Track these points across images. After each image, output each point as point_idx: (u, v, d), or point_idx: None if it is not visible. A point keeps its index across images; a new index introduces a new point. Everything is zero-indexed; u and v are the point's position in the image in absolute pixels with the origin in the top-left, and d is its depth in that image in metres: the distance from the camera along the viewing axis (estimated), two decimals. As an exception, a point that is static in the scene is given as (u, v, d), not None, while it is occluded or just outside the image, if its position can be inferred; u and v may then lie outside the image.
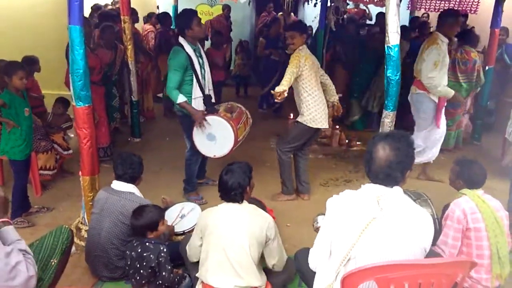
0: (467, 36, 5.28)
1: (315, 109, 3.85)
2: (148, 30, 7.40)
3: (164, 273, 2.59)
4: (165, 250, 2.62)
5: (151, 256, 2.58)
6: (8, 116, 3.48)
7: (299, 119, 3.94)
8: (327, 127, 4.09)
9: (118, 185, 2.93)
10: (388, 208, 1.76)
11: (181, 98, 3.61)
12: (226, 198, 2.51)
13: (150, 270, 2.59)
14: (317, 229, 2.55)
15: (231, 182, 2.46)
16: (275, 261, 2.53)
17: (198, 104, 3.74)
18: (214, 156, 3.80)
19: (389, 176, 1.79)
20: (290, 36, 3.84)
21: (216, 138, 3.69)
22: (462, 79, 5.12)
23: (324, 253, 1.86)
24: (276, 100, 3.58)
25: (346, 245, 1.75)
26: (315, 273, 1.98)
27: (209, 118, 3.68)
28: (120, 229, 2.83)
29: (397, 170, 1.79)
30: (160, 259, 2.59)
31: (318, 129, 3.98)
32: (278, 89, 3.53)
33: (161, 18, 7.14)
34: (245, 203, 2.53)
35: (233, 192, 2.46)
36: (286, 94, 3.52)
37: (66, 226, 2.54)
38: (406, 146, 1.81)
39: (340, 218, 1.81)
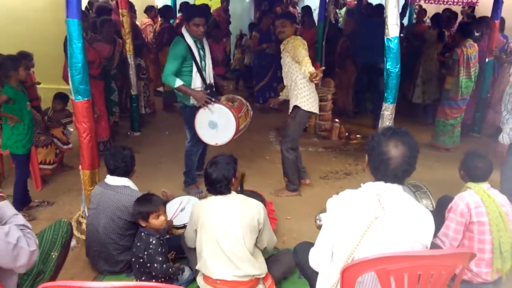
0: (468, 30, 5.22)
1: (310, 93, 3.87)
2: (147, 24, 7.36)
3: (155, 265, 2.59)
4: (154, 242, 2.62)
5: (142, 246, 2.61)
6: (11, 111, 3.46)
7: (297, 104, 3.87)
8: (318, 112, 4.11)
9: (112, 180, 2.92)
10: (389, 207, 1.75)
11: (178, 82, 3.60)
12: (212, 190, 2.53)
13: (141, 260, 2.61)
14: (319, 227, 2.55)
15: (216, 175, 2.48)
16: (265, 244, 2.60)
17: None
18: (216, 144, 3.78)
19: (406, 172, 1.79)
20: (281, 24, 3.85)
21: (218, 125, 3.68)
22: (472, 73, 5.06)
23: (326, 254, 1.85)
24: (314, 82, 3.55)
25: (349, 246, 1.74)
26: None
27: (211, 106, 3.66)
28: (117, 223, 2.83)
29: (413, 164, 1.79)
30: (150, 251, 2.59)
31: (312, 114, 4.02)
32: (310, 70, 3.50)
33: (163, 12, 7.08)
34: (233, 193, 2.55)
35: (218, 184, 2.48)
36: (320, 74, 3.51)
37: (65, 220, 2.55)
38: (411, 139, 1.80)
39: (342, 219, 1.79)
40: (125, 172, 2.94)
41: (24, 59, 4.33)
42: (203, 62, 3.78)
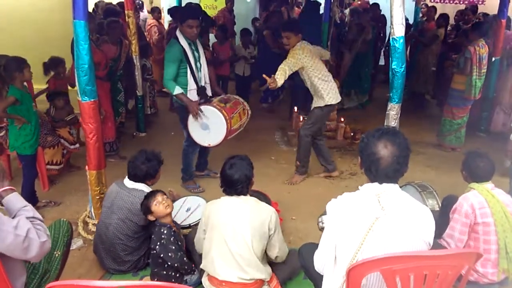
0: (482, 29, 5.14)
1: (330, 88, 4.13)
2: (151, 24, 7.38)
3: (169, 254, 2.60)
4: (165, 232, 2.64)
5: (155, 238, 2.64)
6: (19, 113, 3.48)
7: (319, 104, 4.15)
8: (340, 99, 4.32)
9: (130, 183, 2.95)
10: (389, 206, 1.75)
11: (177, 90, 3.71)
12: (231, 192, 2.50)
13: (154, 252, 2.63)
14: (322, 229, 2.55)
15: (238, 176, 2.45)
16: (277, 253, 2.56)
17: (192, 95, 3.83)
18: (209, 144, 3.88)
19: (398, 171, 1.79)
20: (286, 36, 4.01)
21: (210, 127, 3.77)
22: (482, 74, 5.02)
23: (329, 257, 1.86)
24: (269, 84, 3.70)
25: (352, 248, 1.74)
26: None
27: (203, 107, 3.77)
28: (127, 225, 2.85)
29: (404, 163, 1.79)
30: (162, 241, 2.61)
31: (333, 105, 4.27)
32: (271, 80, 3.67)
33: (172, 13, 7.05)
34: (247, 196, 2.54)
35: (240, 185, 2.46)
36: (275, 85, 3.69)
37: (65, 220, 2.57)
38: (403, 138, 1.81)
39: (343, 222, 1.79)
40: (143, 177, 2.94)
41: (58, 65, 4.43)
42: (198, 63, 3.87)
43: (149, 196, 2.75)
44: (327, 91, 4.10)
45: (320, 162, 4.57)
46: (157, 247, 2.61)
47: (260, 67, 7.01)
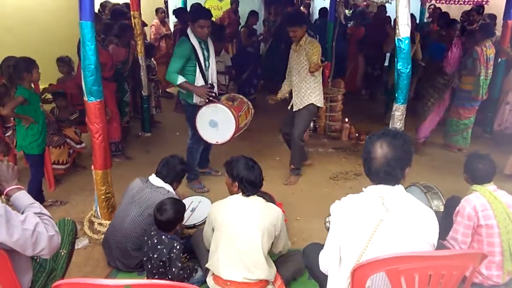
0: (489, 29, 5.12)
1: (319, 90, 4.27)
2: (150, 25, 7.43)
3: (173, 269, 2.61)
4: (178, 247, 2.64)
5: (164, 250, 2.61)
6: (27, 113, 3.51)
7: (312, 102, 4.22)
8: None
9: (156, 180, 2.98)
10: (393, 208, 1.75)
11: (180, 79, 3.73)
12: (253, 192, 2.54)
13: (160, 263, 2.62)
14: (329, 229, 2.56)
15: (260, 176, 2.56)
16: (281, 249, 2.64)
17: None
18: (217, 142, 3.89)
19: (389, 174, 1.77)
20: (293, 31, 4.12)
21: (218, 124, 3.79)
22: (489, 74, 4.98)
23: (334, 259, 1.86)
24: (312, 69, 3.94)
25: (357, 250, 1.74)
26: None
27: (212, 105, 3.78)
28: (145, 220, 2.85)
29: (396, 167, 1.76)
30: (172, 255, 2.61)
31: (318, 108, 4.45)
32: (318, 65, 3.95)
33: (178, 13, 7.05)
34: (255, 196, 2.56)
35: (261, 185, 2.57)
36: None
37: (69, 218, 2.59)
38: (402, 142, 1.78)
39: (347, 224, 1.79)
40: (171, 179, 3.02)
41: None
42: (207, 63, 3.92)
43: (182, 211, 2.80)
44: (319, 92, 4.23)
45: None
46: (165, 259, 2.61)
47: (239, 62, 6.94)
